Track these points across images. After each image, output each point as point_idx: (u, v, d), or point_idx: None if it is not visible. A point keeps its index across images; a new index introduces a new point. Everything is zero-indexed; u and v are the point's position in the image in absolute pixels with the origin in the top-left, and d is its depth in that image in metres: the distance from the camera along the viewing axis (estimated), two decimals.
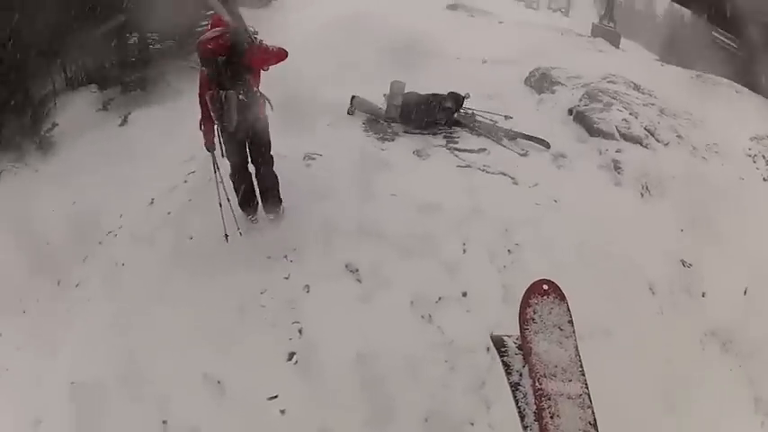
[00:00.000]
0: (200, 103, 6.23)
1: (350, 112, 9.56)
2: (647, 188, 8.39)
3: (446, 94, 9.26)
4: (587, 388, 3.33)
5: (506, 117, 9.96)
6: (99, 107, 10.97)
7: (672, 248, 7.49)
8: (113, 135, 10.11)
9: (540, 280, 3.60)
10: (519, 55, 12.42)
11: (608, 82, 11.21)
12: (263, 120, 6.40)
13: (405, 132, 9.25)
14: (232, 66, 5.95)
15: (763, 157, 9.59)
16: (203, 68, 6.09)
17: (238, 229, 6.98)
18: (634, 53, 18.18)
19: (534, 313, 3.64)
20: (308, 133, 8.62)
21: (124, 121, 10.49)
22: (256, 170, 6.73)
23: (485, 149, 9.04)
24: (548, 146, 8.93)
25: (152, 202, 8.09)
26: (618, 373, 5.59)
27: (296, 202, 7.44)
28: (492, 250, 7.10)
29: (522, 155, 8.95)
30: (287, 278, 6.84)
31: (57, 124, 10.38)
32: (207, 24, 7.04)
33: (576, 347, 3.54)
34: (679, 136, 9.60)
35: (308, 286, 6.71)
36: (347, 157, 8.30)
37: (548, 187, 8.12)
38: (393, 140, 9.07)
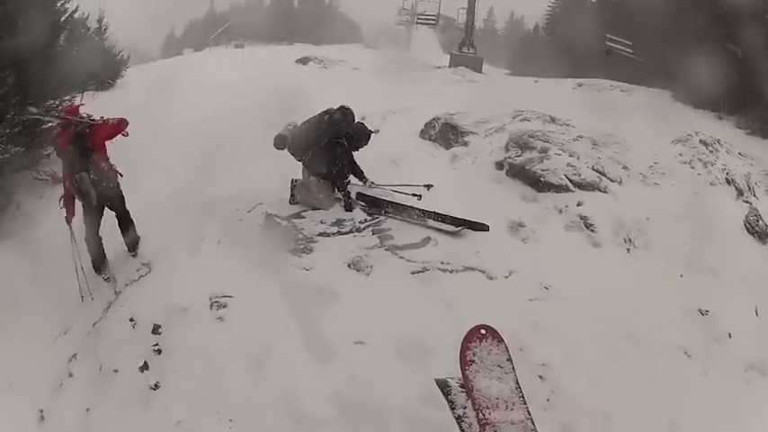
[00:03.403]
0: (63, 184, 7.83)
1: (293, 202, 9.06)
2: (629, 240, 8.39)
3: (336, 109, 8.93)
4: (530, 414, 4.49)
5: (427, 186, 9.13)
6: None
7: (683, 301, 7.53)
8: None
9: (478, 325, 4.91)
10: (396, 103, 12.36)
11: (522, 120, 11.17)
12: (116, 187, 7.99)
13: (320, 234, 8.34)
14: (79, 152, 7.56)
15: (699, 159, 10.18)
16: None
17: (90, 294, 7.78)
18: (498, 75, 19.43)
19: (474, 355, 4.84)
20: (200, 260, 7.91)
21: None
22: (118, 222, 8.18)
23: (428, 239, 8.21)
24: (487, 229, 8.32)
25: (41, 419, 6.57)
26: None
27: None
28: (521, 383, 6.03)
29: (451, 236, 8.26)
30: None
31: None
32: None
33: (517, 381, 4.80)
34: (624, 167, 9.73)
35: None
36: (265, 290, 7.28)
37: (527, 273, 7.69)
38: (312, 251, 8.07)
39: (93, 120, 7.69)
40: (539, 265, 7.76)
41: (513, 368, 4.96)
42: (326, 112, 8.93)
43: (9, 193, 10.15)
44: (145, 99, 9.52)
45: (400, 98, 12.77)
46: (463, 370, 4.88)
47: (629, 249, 8.27)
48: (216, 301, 7.18)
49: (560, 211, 8.78)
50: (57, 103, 11.64)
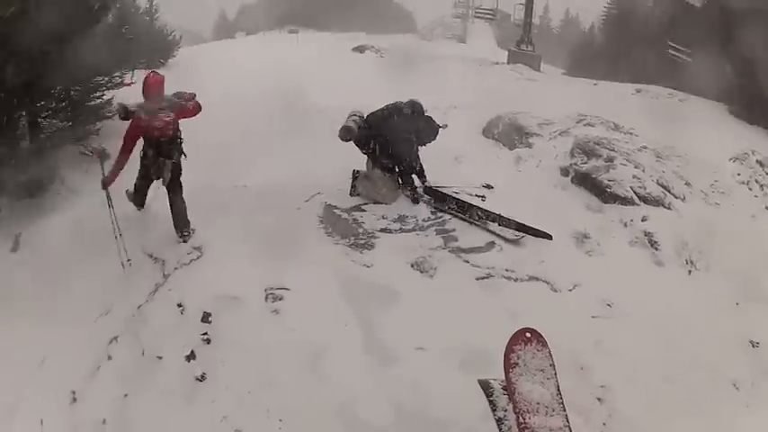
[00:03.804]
0: (123, 152, 7.78)
1: (354, 194, 8.92)
2: (691, 262, 8.11)
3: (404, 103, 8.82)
4: (568, 422, 4.68)
5: (487, 186, 9.01)
6: None
7: (737, 329, 7.27)
8: (5, 267, 8.47)
9: (523, 329, 5.00)
10: (456, 97, 12.17)
11: (586, 125, 10.94)
12: (179, 164, 7.96)
13: (382, 230, 8.14)
14: (172, 143, 7.74)
15: (756, 181, 10.07)
16: (139, 127, 7.64)
17: (129, 261, 7.73)
18: (555, 75, 19.34)
19: (518, 358, 4.90)
20: (255, 249, 7.45)
21: (16, 245, 8.92)
22: (171, 199, 8.00)
23: (493, 244, 7.96)
24: (550, 237, 8.07)
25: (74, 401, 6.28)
26: None
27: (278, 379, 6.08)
28: (579, 404, 5.79)
29: (514, 242, 8.04)
30: None
31: None
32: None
33: (558, 387, 4.87)
34: (687, 183, 9.50)
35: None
36: (324, 285, 7.07)
37: (591, 288, 7.43)
38: (373, 247, 7.84)
39: (184, 104, 7.88)
40: (603, 281, 7.51)
41: (554, 374, 5.02)
42: (395, 105, 8.75)
43: (54, 167, 10.11)
44: (198, 79, 9.32)
45: (461, 93, 12.58)
46: (507, 372, 4.94)
47: (690, 271, 8.03)
48: (271, 293, 6.93)
49: (625, 225, 8.54)
50: (105, 80, 11.64)
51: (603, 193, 8.93)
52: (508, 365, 4.93)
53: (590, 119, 11.18)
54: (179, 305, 6.87)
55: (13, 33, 8.72)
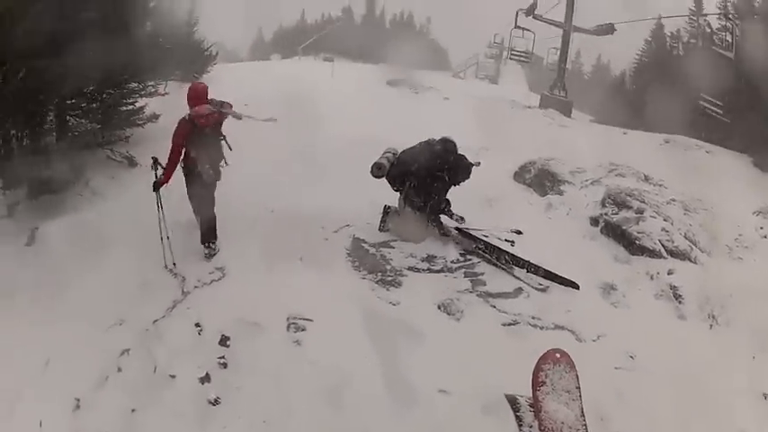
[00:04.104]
0: (174, 150, 7.85)
1: (383, 229, 8.89)
2: (712, 317, 8.07)
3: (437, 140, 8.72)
4: None
5: (517, 232, 8.88)
6: (3, 213, 9.37)
7: (752, 383, 7.19)
8: (18, 260, 8.36)
9: (554, 349, 5.26)
10: (488, 140, 11.98)
11: (617, 175, 10.98)
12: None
13: (410, 269, 8.06)
14: (217, 136, 8.13)
15: None
16: (186, 121, 7.86)
17: (174, 263, 7.91)
18: (585, 121, 19.77)
19: (546, 377, 5.11)
20: (279, 276, 7.52)
21: (32, 239, 8.79)
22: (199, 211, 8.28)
23: (521, 290, 7.93)
24: (577, 287, 8.05)
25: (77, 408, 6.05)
26: None
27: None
28: None
29: (540, 290, 8.02)
30: None
31: None
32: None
33: (582, 409, 5.06)
34: (713, 237, 9.51)
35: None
36: (348, 320, 6.88)
37: (615, 339, 7.42)
38: (400, 285, 7.76)
39: (236, 113, 8.48)
40: (627, 333, 7.50)
41: (580, 396, 5.21)
42: (428, 142, 8.70)
43: (78, 167, 10.04)
44: (230, 98, 9.32)
45: (493, 135, 12.46)
46: (534, 390, 5.13)
47: (711, 326, 7.97)
48: (294, 323, 6.84)
49: (651, 278, 8.52)
50: (139, 87, 11.67)
51: (632, 245, 8.95)
52: (536, 383, 5.16)
53: (621, 169, 11.21)
54: (197, 325, 6.76)
55: (45, 26, 8.69)
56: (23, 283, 7.74)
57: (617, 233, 9.18)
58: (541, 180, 10.86)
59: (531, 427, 5.12)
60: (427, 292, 7.60)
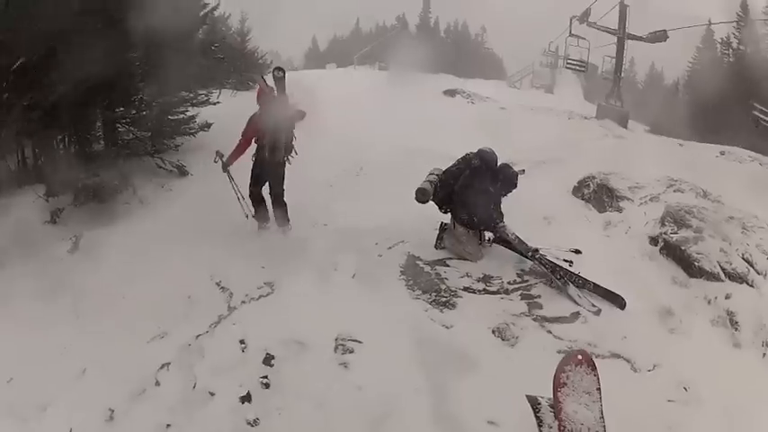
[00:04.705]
0: (241, 141, 8.88)
1: (439, 247, 8.68)
2: (766, 345, 7.69)
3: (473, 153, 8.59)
4: None
5: (576, 251, 8.62)
6: (46, 219, 9.45)
7: None
8: (60, 267, 8.42)
9: (577, 350, 5.54)
10: (546, 152, 12.04)
11: (675, 191, 10.66)
12: (283, 166, 8.92)
13: (465, 289, 7.83)
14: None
15: None
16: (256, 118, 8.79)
17: (252, 214, 9.11)
18: (640, 132, 19.37)
19: (567, 379, 5.26)
20: (330, 293, 7.50)
21: (74, 247, 8.79)
22: (272, 201, 9.04)
23: (578, 315, 7.65)
24: (623, 305, 7.81)
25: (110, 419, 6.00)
26: None
27: None
28: None
29: (594, 312, 7.76)
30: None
31: None
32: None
33: (602, 411, 5.24)
34: None
35: None
36: (399, 343, 6.72)
37: (670, 369, 7.06)
38: (454, 306, 7.52)
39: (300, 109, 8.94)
40: (682, 362, 7.15)
41: (600, 398, 5.29)
42: (465, 157, 8.60)
43: (126, 175, 10.16)
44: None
45: (551, 147, 12.43)
46: (555, 391, 5.19)
47: (764, 354, 7.57)
48: (342, 344, 6.63)
49: (709, 302, 8.10)
50: (190, 96, 11.74)
51: (691, 267, 8.56)
52: (557, 384, 5.22)
53: (680, 184, 10.84)
54: (241, 342, 6.60)
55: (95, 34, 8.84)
56: (65, 289, 7.73)
57: (676, 254, 8.84)
58: (600, 196, 10.59)
59: (551, 427, 5.18)
60: (482, 314, 7.39)
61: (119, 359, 6.41)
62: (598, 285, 7.89)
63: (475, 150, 8.56)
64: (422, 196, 8.43)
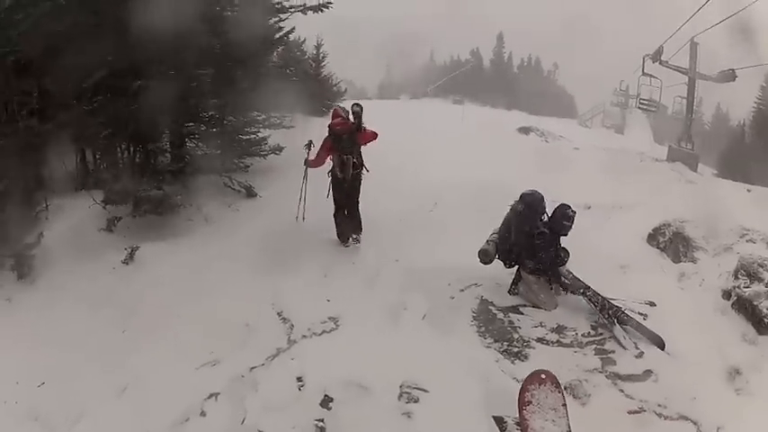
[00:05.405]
0: (318, 155, 9.51)
1: (513, 292, 8.45)
2: None
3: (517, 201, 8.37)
4: None
5: (650, 303, 8.41)
6: (102, 226, 9.47)
7: None
8: (113, 276, 8.49)
9: (539, 370, 5.85)
10: (620, 196, 11.83)
11: (747, 241, 10.17)
12: (359, 179, 9.58)
13: (538, 340, 7.56)
14: (350, 141, 9.38)
15: None
16: (329, 139, 9.43)
17: (297, 217, 9.71)
18: (709, 176, 18.83)
19: (532, 397, 5.66)
20: (398, 334, 7.30)
21: (129, 258, 8.81)
22: (348, 210, 9.69)
23: (650, 372, 7.31)
24: (662, 345, 7.64)
25: None
26: None
27: None
28: None
29: (636, 356, 7.52)
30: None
31: (43, 236, 8.65)
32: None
33: (569, 425, 5.60)
34: None
35: None
36: (467, 394, 6.39)
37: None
38: (527, 358, 7.25)
39: (363, 126, 9.45)
40: (746, 424, 6.76)
41: (566, 413, 5.64)
42: (512, 206, 8.47)
43: (191, 191, 10.13)
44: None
45: (625, 191, 12.10)
46: (521, 409, 5.57)
47: None
48: (407, 392, 6.37)
49: None
50: (262, 117, 11.78)
51: (761, 323, 8.15)
52: (522, 403, 5.60)
53: (752, 234, 10.30)
54: (299, 379, 6.41)
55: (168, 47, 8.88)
56: (114, 300, 7.80)
57: (746, 309, 8.41)
58: (675, 245, 10.24)
59: None
60: (555, 369, 6.78)
61: (164, 382, 6.33)
62: (641, 324, 7.78)
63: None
64: (485, 257, 8.29)
